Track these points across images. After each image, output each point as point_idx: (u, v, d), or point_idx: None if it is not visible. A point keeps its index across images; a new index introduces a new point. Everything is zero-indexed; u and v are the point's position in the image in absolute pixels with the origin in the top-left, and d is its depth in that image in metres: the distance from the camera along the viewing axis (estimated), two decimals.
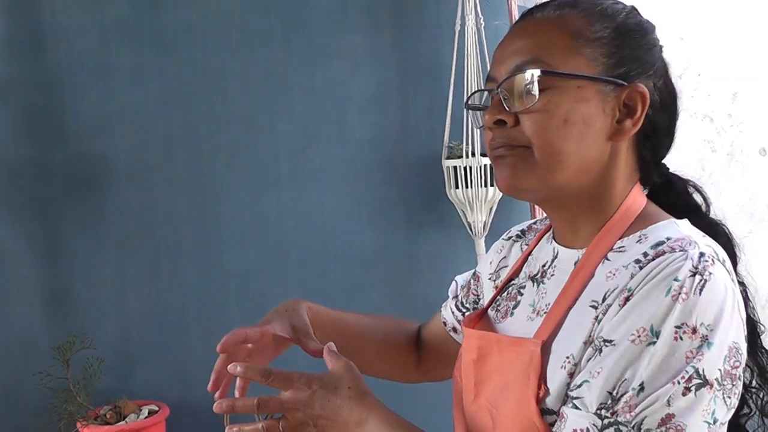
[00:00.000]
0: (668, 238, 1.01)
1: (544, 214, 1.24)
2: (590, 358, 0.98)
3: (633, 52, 1.08)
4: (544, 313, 1.11)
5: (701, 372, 0.92)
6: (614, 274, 1.03)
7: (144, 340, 2.84)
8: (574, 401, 0.97)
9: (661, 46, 1.13)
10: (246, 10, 2.87)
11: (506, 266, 1.33)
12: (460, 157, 2.79)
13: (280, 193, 2.92)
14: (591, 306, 1.03)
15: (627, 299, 0.97)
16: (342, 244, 2.97)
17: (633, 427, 0.92)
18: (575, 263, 1.11)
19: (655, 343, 0.93)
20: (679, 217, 1.09)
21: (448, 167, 2.83)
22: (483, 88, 1.15)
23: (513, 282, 1.26)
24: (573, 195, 1.09)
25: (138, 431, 2.50)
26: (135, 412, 2.58)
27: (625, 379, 0.93)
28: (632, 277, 0.99)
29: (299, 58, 2.92)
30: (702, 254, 0.97)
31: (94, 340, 2.63)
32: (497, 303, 1.27)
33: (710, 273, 0.95)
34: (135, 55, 2.80)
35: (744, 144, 3.12)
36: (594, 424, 0.94)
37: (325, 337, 1.25)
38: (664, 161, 1.17)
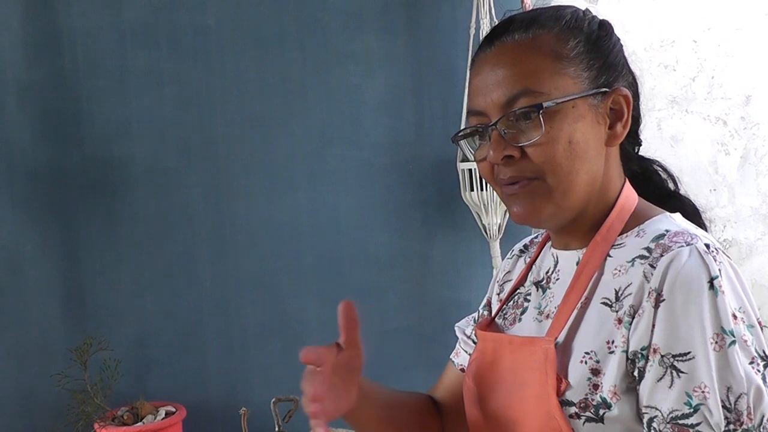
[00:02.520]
0: (667, 231, 1.05)
1: None
2: (660, 378, 0.98)
3: (606, 58, 1.12)
4: (554, 315, 1.12)
5: (763, 354, 0.98)
6: (620, 271, 1.06)
7: (161, 341, 2.85)
8: (696, 428, 0.96)
9: (618, 39, 1.16)
10: (261, 14, 2.89)
11: (510, 280, 1.34)
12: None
13: (296, 196, 2.93)
14: (603, 303, 1.06)
15: (658, 301, 0.99)
16: (357, 247, 2.98)
17: (759, 428, 0.95)
18: (576, 263, 1.13)
19: (735, 342, 0.96)
20: (660, 203, 1.15)
21: (462, 170, 2.83)
22: (472, 124, 1.13)
23: (519, 291, 1.28)
24: (581, 207, 1.11)
25: None
26: (152, 413, 2.59)
27: (730, 387, 0.95)
28: (647, 277, 1.01)
29: (314, 61, 2.93)
30: (707, 246, 1.01)
31: (112, 342, 2.65)
32: (504, 312, 1.28)
33: (720, 262, 1.00)
34: (152, 59, 2.82)
35: (757, 147, 3.11)
36: None
37: (377, 410, 1.22)
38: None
